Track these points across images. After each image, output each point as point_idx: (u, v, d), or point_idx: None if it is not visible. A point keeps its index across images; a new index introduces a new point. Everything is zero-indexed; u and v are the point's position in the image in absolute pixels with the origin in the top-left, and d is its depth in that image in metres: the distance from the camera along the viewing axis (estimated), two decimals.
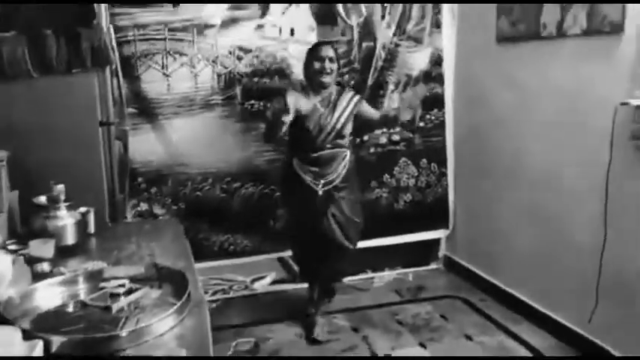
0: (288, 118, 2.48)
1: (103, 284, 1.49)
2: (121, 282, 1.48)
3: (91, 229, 1.99)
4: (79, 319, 1.34)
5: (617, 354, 2.37)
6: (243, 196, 3.19)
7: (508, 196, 3.06)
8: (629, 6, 2.23)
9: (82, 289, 1.50)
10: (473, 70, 3.33)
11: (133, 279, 1.52)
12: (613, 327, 2.39)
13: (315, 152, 2.67)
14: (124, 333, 1.21)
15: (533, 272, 2.89)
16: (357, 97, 2.78)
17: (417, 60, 3.41)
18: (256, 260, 3.28)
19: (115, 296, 1.42)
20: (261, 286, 3.38)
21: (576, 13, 2.48)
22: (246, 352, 2.65)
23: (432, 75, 3.46)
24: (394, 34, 3.33)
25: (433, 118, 3.51)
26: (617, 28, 2.29)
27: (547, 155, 2.74)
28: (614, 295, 2.36)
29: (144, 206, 3.02)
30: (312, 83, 2.69)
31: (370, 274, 3.50)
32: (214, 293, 3.26)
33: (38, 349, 1.14)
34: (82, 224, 1.89)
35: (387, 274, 3.51)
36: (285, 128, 2.52)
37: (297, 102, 2.61)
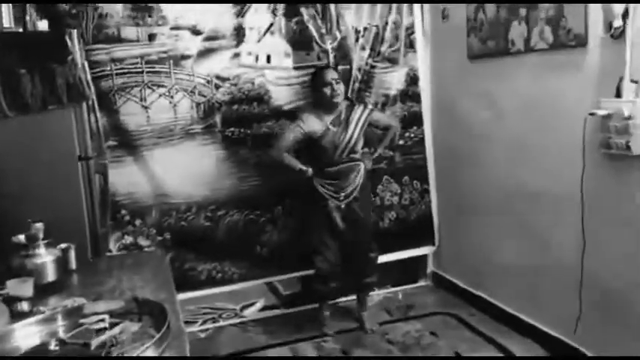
0: (299, 134, 2.86)
1: (82, 320, 1.48)
2: (100, 317, 1.48)
3: (72, 265, 1.98)
4: (58, 357, 1.33)
5: None
6: (228, 224, 3.19)
7: (490, 209, 3.09)
8: (591, 19, 2.30)
9: (61, 327, 1.48)
10: (447, 88, 3.40)
11: (112, 314, 1.51)
12: (598, 335, 2.40)
13: (333, 167, 2.90)
14: None
15: (519, 284, 2.91)
16: (367, 110, 2.98)
17: (394, 80, 3.47)
18: (245, 287, 3.26)
19: (94, 332, 1.41)
20: (251, 313, 3.36)
21: (542, 29, 2.56)
22: None
23: (409, 94, 3.52)
24: (369, 56, 3.39)
25: (412, 135, 3.56)
26: (582, 42, 2.36)
27: (523, 168, 2.79)
28: (596, 302, 2.39)
29: (129, 239, 3.02)
30: (325, 107, 2.91)
31: None
32: (204, 322, 3.24)
33: None
34: (62, 261, 1.87)
35: (377, 294, 3.51)
36: (290, 143, 2.88)
37: (311, 125, 2.87)
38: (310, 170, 2.90)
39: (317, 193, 2.93)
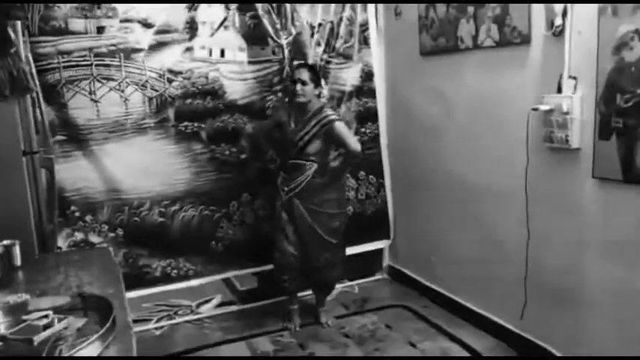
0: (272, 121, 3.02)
1: (25, 317, 1.44)
2: (44, 313, 1.44)
3: (17, 261, 1.92)
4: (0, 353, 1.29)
5: (549, 348, 2.49)
6: (182, 219, 3.16)
7: (442, 204, 3.17)
8: (534, 17, 2.39)
9: (2, 324, 1.44)
10: (401, 84, 3.46)
11: (57, 310, 1.48)
12: (543, 322, 2.51)
13: (289, 159, 2.94)
14: None
15: (469, 276, 3.00)
16: (325, 120, 2.86)
17: (349, 76, 3.51)
18: (201, 283, 3.23)
19: (39, 328, 1.38)
20: (207, 309, 3.33)
21: (489, 27, 2.64)
22: None
23: (364, 89, 3.57)
24: (324, 52, 3.41)
25: (368, 131, 3.61)
26: (526, 39, 2.45)
27: (472, 162, 2.88)
28: (541, 290, 2.49)
29: (79, 235, 2.94)
30: (290, 101, 2.98)
31: None
32: (159, 320, 3.19)
33: None
34: (5, 257, 1.83)
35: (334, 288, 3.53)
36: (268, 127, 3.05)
37: (281, 115, 3.00)
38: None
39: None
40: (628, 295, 2.10)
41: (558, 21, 2.27)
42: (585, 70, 2.18)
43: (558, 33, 2.28)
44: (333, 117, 2.87)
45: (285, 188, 2.92)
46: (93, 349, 1.27)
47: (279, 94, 3.28)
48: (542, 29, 2.36)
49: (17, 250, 1.94)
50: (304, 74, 2.86)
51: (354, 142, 2.93)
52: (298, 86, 2.83)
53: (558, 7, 2.25)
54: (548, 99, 2.34)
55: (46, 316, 1.43)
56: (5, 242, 1.89)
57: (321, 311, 3.12)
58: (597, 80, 2.13)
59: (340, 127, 2.87)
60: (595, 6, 2.10)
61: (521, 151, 2.47)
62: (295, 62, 3.22)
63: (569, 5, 2.22)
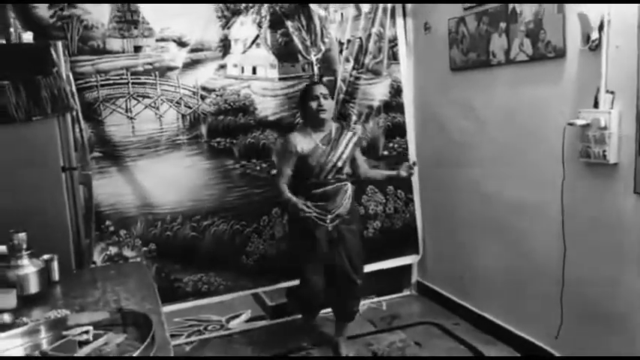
0: (294, 157, 2.75)
1: (65, 332, 1.47)
2: (84, 329, 1.47)
3: (55, 276, 1.97)
4: None
5: None
6: (214, 234, 3.19)
7: (474, 220, 3.13)
8: (569, 31, 2.36)
9: (44, 339, 1.48)
10: (430, 99, 3.45)
11: (97, 325, 1.51)
12: (580, 341, 2.44)
13: (318, 188, 2.75)
14: None
15: (501, 292, 2.94)
16: (355, 138, 2.88)
17: (377, 91, 3.52)
18: (231, 298, 3.26)
19: (78, 344, 1.41)
20: (237, 324, 3.35)
21: (521, 41, 2.62)
22: None
23: (393, 105, 3.57)
24: (353, 68, 3.43)
25: (396, 146, 3.60)
26: (560, 53, 2.42)
27: (506, 177, 2.84)
28: (578, 309, 2.43)
29: (113, 250, 3.00)
30: (312, 123, 2.81)
31: None
32: (189, 335, 3.22)
33: None
34: (45, 272, 1.87)
35: (361, 304, 3.50)
36: (290, 169, 2.77)
37: (299, 143, 2.76)
38: (301, 203, 2.71)
39: (302, 217, 2.71)
40: None
41: (595, 35, 2.24)
42: (624, 85, 2.15)
43: (595, 47, 2.25)
44: (358, 135, 2.92)
45: (329, 217, 2.74)
46: None
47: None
48: (578, 43, 2.33)
49: (56, 265, 1.99)
50: (323, 89, 2.80)
51: (363, 163, 3.02)
52: (322, 100, 2.75)
53: (594, 21, 2.22)
54: (584, 114, 2.30)
55: (86, 332, 1.46)
56: (45, 257, 1.93)
57: (340, 341, 2.97)
58: (638, 95, 2.09)
59: (359, 148, 2.98)
60: (634, 19, 2.07)
61: (555, 166, 2.43)
62: (307, 82, 3.14)
63: (605, 19, 2.19)
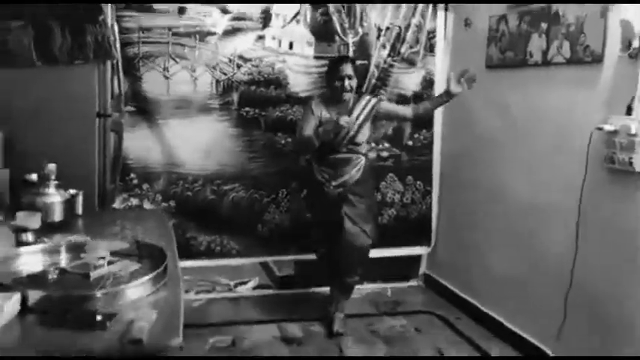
0: (315, 120, 2.80)
1: (84, 255, 1.55)
2: (101, 254, 1.55)
3: (79, 210, 2.07)
4: (58, 283, 1.40)
5: None
6: (233, 199, 3.27)
7: (488, 217, 3.14)
8: (610, 37, 2.35)
9: (63, 259, 1.57)
10: (462, 94, 3.43)
11: (114, 253, 1.59)
12: (580, 344, 2.44)
13: (331, 154, 2.85)
14: (99, 294, 1.28)
15: (507, 291, 2.95)
16: (374, 100, 2.94)
17: (410, 81, 3.53)
18: (241, 263, 3.34)
19: (94, 267, 1.49)
20: (244, 290, 3.43)
21: (560, 43, 2.61)
22: (223, 349, 2.69)
23: (424, 96, 3.57)
24: (388, 55, 3.45)
25: (422, 137, 3.61)
26: (598, 58, 2.41)
27: (527, 178, 2.83)
28: (581, 312, 2.43)
29: (134, 201, 3.10)
30: (334, 99, 2.88)
31: None
32: (198, 293, 3.31)
33: (14, 301, 1.21)
34: (70, 204, 1.96)
35: (366, 287, 3.56)
36: (310, 128, 2.79)
37: (320, 111, 2.85)
38: (343, 119, 2.67)
39: (315, 178, 2.91)
40: None
41: (636, 43, 2.22)
42: None
43: (635, 55, 2.23)
44: (377, 97, 2.99)
45: (333, 183, 2.87)
46: (143, 289, 1.36)
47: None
48: (617, 49, 2.31)
49: (80, 199, 2.09)
50: (349, 69, 2.83)
51: (403, 109, 3.08)
52: (346, 81, 2.80)
53: (638, 28, 2.21)
54: (614, 120, 2.29)
55: (103, 257, 1.54)
56: (71, 191, 2.03)
57: (335, 317, 2.97)
58: None
59: (386, 101, 3.07)
60: None
61: (578, 170, 2.42)
62: (336, 57, 3.13)
63: None
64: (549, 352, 2.59)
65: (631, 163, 2.23)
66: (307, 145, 2.85)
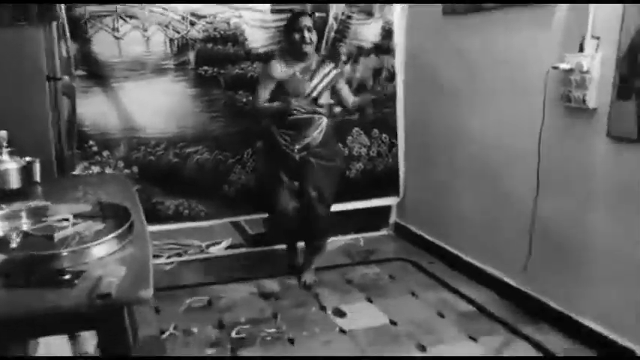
0: (272, 83, 2.76)
1: (45, 219, 1.51)
2: (64, 216, 1.51)
3: (37, 177, 1.99)
4: (20, 246, 1.36)
5: (548, 302, 2.54)
6: (197, 162, 3.22)
7: (454, 163, 3.19)
8: None
9: (24, 224, 1.52)
10: (421, 43, 3.44)
11: (77, 215, 1.55)
12: (545, 278, 2.56)
13: (291, 116, 2.77)
14: (64, 253, 1.25)
15: (476, 233, 3.04)
16: (335, 71, 2.89)
17: (369, 32, 3.49)
18: (211, 225, 3.32)
19: (58, 228, 1.45)
20: (217, 250, 3.43)
21: None
22: (199, 309, 2.70)
23: (384, 47, 3.55)
24: (346, 6, 3.39)
25: (384, 89, 3.61)
26: None
27: (489, 121, 2.88)
28: (545, 249, 2.53)
29: (95, 169, 3.01)
30: (294, 53, 2.80)
31: None
32: (169, 257, 3.29)
33: None
34: (27, 171, 1.89)
35: (339, 239, 3.60)
36: (267, 93, 2.79)
37: (278, 68, 2.80)
38: (292, 101, 2.76)
39: (274, 141, 2.86)
40: (629, 259, 2.14)
41: None
42: (609, 31, 2.17)
43: None
44: (339, 69, 2.92)
45: (297, 146, 2.82)
46: (109, 247, 1.33)
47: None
48: None
49: (37, 167, 2.01)
50: (308, 21, 2.79)
51: (348, 96, 3.05)
52: (306, 34, 2.75)
53: None
54: (569, 58, 2.33)
55: (66, 219, 1.50)
56: (27, 158, 1.95)
57: (305, 268, 3.03)
58: (620, 41, 2.12)
59: (343, 81, 3.03)
60: None
61: (537, 111, 2.47)
62: (295, 10, 3.05)
63: None
64: (519, 287, 2.69)
65: (584, 101, 2.29)
66: (264, 113, 2.85)
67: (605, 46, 2.21)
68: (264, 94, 2.83)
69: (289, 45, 2.86)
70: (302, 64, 2.84)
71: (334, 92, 2.97)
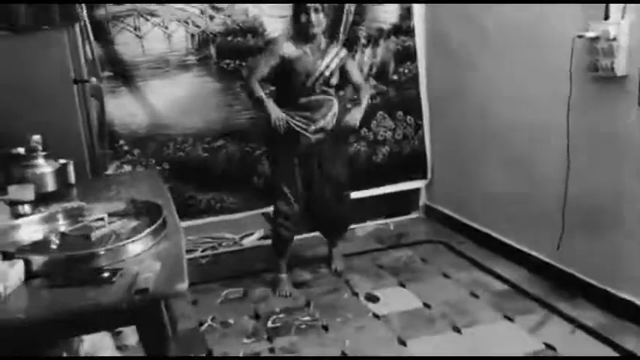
0: (275, 61, 2.63)
1: (81, 219, 1.56)
2: (99, 216, 1.56)
3: (72, 179, 2.06)
4: (60, 247, 1.41)
5: (583, 277, 2.50)
6: (225, 155, 3.26)
7: (481, 141, 3.14)
8: None
9: (62, 225, 1.58)
10: (441, 21, 3.38)
11: (112, 214, 1.59)
12: (579, 253, 2.51)
13: (304, 97, 2.67)
14: (101, 251, 1.29)
15: (506, 212, 3.00)
16: (343, 52, 2.77)
17: (387, 14, 3.45)
18: (243, 216, 3.36)
19: (95, 228, 1.50)
20: (249, 242, 3.48)
21: None
22: (236, 300, 2.75)
23: (403, 28, 3.51)
24: None
25: (406, 71, 3.57)
26: None
27: (514, 96, 2.82)
28: (578, 221, 2.48)
29: (127, 168, 3.09)
30: (302, 34, 2.68)
31: (352, 226, 3.56)
32: (204, 250, 3.36)
33: (18, 268, 1.22)
34: (61, 173, 1.96)
35: (369, 225, 3.61)
36: (267, 70, 2.64)
37: (286, 48, 2.65)
38: (282, 116, 2.62)
39: (287, 125, 2.64)
40: None
41: None
42: None
43: None
44: (347, 51, 2.81)
45: (312, 128, 2.67)
46: (144, 243, 1.37)
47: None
48: None
49: (71, 168, 2.08)
50: (317, 4, 2.62)
51: (361, 77, 2.94)
52: (312, 14, 2.60)
53: None
54: (594, 26, 2.26)
55: (101, 219, 1.55)
56: (61, 160, 2.01)
57: (334, 254, 3.01)
58: None
59: (353, 62, 2.93)
60: None
61: (563, 82, 2.41)
62: None
63: None
64: (554, 263, 2.65)
65: (612, 68, 2.22)
66: (249, 91, 2.72)
67: (632, 11, 2.14)
68: (264, 69, 2.66)
69: (298, 27, 2.72)
70: (310, 44, 2.68)
71: (343, 73, 2.80)
